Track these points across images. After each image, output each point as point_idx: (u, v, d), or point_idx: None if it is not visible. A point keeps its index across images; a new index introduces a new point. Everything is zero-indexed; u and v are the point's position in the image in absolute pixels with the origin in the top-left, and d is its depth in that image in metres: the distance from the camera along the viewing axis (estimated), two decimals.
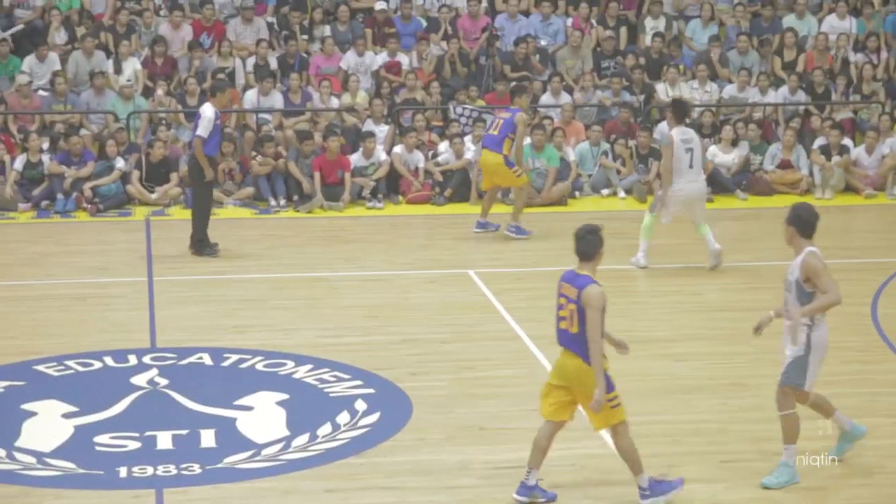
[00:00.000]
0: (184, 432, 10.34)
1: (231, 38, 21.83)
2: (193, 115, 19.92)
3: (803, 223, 9.46)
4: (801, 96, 21.28)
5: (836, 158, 19.85)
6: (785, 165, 20.00)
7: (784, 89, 21.31)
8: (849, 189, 19.90)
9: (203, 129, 15.95)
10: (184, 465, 9.72)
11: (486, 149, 17.05)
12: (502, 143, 16.80)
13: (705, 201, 15.74)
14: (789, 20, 22.89)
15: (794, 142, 20.14)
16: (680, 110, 15.44)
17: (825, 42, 22.21)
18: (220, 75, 20.12)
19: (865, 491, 9.42)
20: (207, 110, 16.09)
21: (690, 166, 15.07)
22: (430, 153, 19.92)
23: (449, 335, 13.02)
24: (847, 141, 20.32)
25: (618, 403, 8.98)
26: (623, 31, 22.82)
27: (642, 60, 21.96)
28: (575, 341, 8.91)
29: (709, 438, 10.32)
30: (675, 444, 10.21)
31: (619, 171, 19.92)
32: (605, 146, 20.09)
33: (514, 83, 18.98)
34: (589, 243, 8.97)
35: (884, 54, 22.27)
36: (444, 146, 19.93)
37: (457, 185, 19.44)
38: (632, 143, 20.16)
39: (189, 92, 20.57)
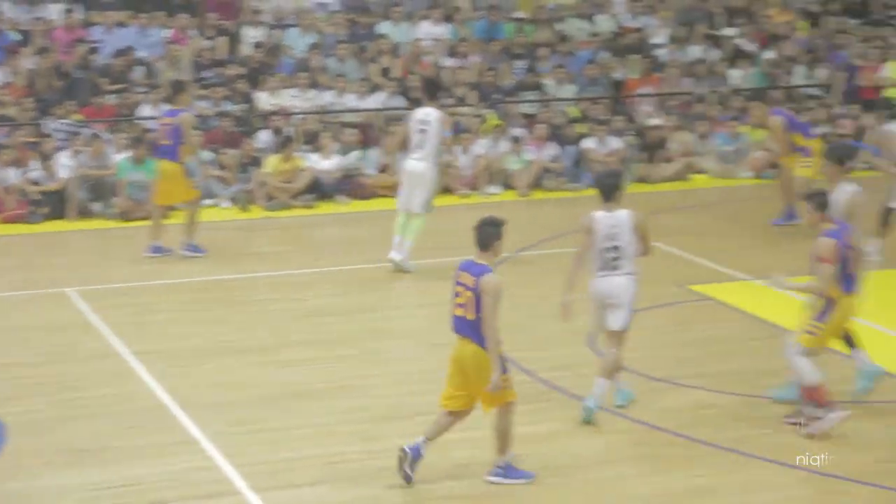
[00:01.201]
0: None
1: None
2: None
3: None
4: (400, 101, 21.75)
5: None
6: (385, 169, 20.35)
7: (382, 95, 21.73)
8: (445, 190, 20.42)
9: None
10: None
11: (164, 159, 16.29)
12: (177, 152, 16.14)
13: (427, 189, 15.43)
14: (385, 27, 23.39)
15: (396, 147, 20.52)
16: (430, 87, 15.62)
17: (420, 48, 22.82)
18: None
19: (458, 483, 9.67)
20: None
21: (420, 146, 15.20)
22: (24, 171, 19.16)
23: (46, 357, 12.57)
24: None
25: (510, 385, 9.46)
26: (223, 40, 22.72)
27: (243, 70, 21.93)
28: (471, 328, 9.28)
29: (316, 441, 10.38)
30: (283, 449, 10.21)
31: (223, 181, 19.78)
32: (209, 155, 19.88)
33: (174, 81, 18.16)
34: (487, 234, 9.47)
35: (475, 58, 23.06)
36: (38, 163, 19.22)
37: (53, 203, 18.79)
38: (234, 152, 20.06)
39: None
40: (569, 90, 22.53)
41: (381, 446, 10.13)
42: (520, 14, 24.22)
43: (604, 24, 24.09)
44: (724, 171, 21.12)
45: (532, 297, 14.21)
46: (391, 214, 15.84)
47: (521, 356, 12.01)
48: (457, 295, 9.41)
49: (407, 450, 9.44)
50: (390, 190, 20.06)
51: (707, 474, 9.80)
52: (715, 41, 23.80)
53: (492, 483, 9.55)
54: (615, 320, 10.77)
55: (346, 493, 9.43)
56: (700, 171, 21.11)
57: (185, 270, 15.93)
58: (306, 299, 14.74)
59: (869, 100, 21.96)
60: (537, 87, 22.31)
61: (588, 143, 20.81)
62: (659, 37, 23.98)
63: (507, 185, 20.56)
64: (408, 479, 9.43)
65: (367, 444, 10.29)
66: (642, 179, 20.88)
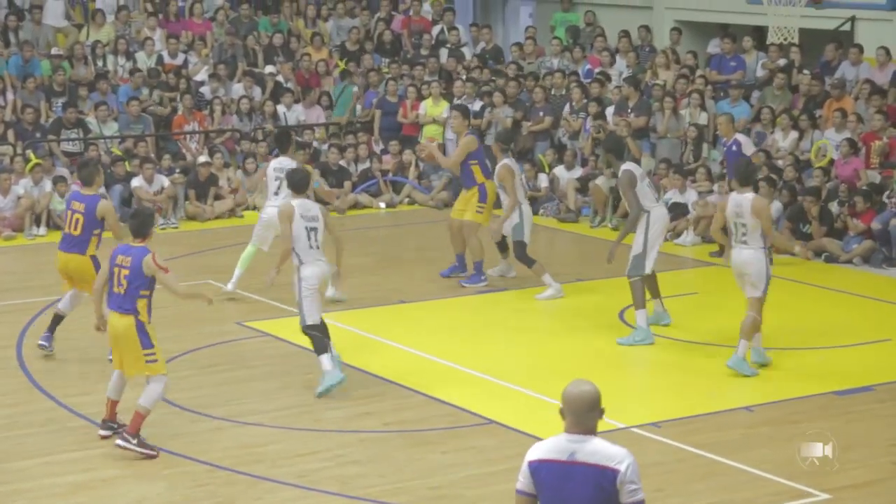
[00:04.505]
0: None
1: None
2: None
3: None
4: None
5: None
6: None
7: None
8: None
9: None
10: None
11: None
12: None
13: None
14: None
15: None
16: (283, 140, 16.37)
17: None
18: None
19: None
20: None
21: (276, 193, 15.74)
22: None
23: None
24: None
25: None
26: None
27: None
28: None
29: None
30: None
31: None
32: None
33: None
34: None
35: (10, 95, 22.18)
36: None
37: None
38: None
39: None
40: (112, 128, 22.11)
41: None
42: (56, 51, 23.51)
43: (143, 60, 23.80)
44: None
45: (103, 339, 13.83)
46: None
47: (73, 402, 11.70)
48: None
49: None
50: None
51: None
52: (257, 79, 23.97)
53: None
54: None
55: None
56: (252, 208, 21.12)
57: None
58: None
59: (409, 136, 22.77)
60: (79, 124, 21.74)
61: (136, 182, 20.49)
62: (200, 74, 23.93)
63: (54, 226, 19.90)
64: None
65: None
66: (193, 217, 20.79)
